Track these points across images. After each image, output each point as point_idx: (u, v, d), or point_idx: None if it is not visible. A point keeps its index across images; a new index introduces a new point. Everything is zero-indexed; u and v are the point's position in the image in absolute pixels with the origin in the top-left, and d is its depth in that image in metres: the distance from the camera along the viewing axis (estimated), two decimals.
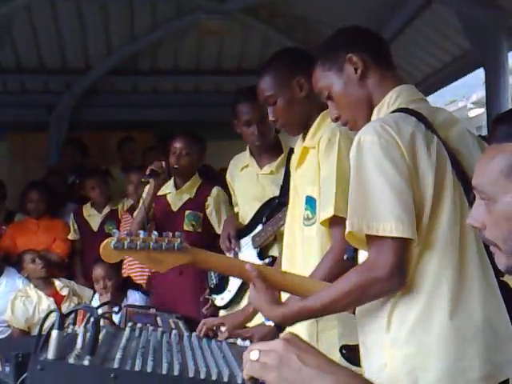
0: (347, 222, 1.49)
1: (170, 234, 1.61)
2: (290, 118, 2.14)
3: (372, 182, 1.45)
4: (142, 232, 1.59)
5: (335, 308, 1.57)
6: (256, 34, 5.38)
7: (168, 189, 3.69)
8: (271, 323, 2.02)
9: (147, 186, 3.65)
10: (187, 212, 3.56)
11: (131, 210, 4.35)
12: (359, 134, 1.51)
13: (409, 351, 1.47)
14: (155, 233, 1.60)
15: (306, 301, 1.59)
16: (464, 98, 13.66)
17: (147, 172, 3.56)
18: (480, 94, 11.61)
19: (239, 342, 1.82)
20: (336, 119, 1.73)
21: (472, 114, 13.57)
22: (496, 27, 4.05)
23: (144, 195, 3.65)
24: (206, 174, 4.43)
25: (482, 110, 11.63)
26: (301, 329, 2.00)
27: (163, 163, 3.58)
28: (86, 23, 5.00)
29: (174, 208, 3.63)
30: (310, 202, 2.03)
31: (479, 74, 4.89)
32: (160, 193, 3.68)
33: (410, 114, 1.53)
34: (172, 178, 3.71)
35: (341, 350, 1.80)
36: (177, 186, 3.66)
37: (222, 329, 1.99)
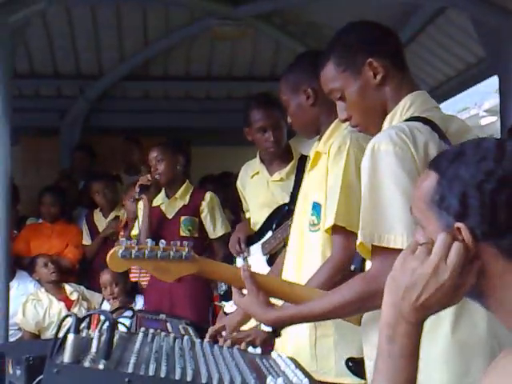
0: (359, 233, 1.47)
1: (178, 242, 1.61)
2: (300, 123, 2.17)
3: (386, 192, 1.43)
4: (149, 240, 1.59)
5: (335, 315, 1.56)
6: (268, 40, 5.39)
7: (160, 200, 3.80)
8: (269, 329, 2.02)
9: (141, 202, 3.75)
10: (183, 218, 3.67)
11: (125, 226, 4.35)
12: (373, 141, 1.48)
13: None
14: (163, 241, 1.60)
15: (303, 305, 1.58)
16: (476, 105, 13.58)
17: (137, 189, 3.62)
18: (492, 101, 11.55)
19: (250, 349, 1.82)
20: (345, 120, 1.69)
21: (484, 122, 13.50)
22: (511, 35, 4.03)
23: (140, 212, 3.70)
24: (225, 179, 4.45)
25: (495, 118, 11.56)
26: (300, 334, 2.00)
27: (149, 176, 3.68)
28: (99, 29, 5.03)
29: (169, 216, 3.70)
30: (316, 207, 2.03)
31: (491, 81, 4.87)
32: (153, 204, 3.75)
33: (423, 123, 1.50)
34: (163, 190, 3.80)
35: (347, 363, 1.80)
36: (168, 196, 3.75)
37: (223, 333, 1.99)
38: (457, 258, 1.00)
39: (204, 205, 3.70)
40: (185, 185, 3.76)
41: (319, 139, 2.14)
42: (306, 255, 2.07)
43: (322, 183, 2.01)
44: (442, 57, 5.25)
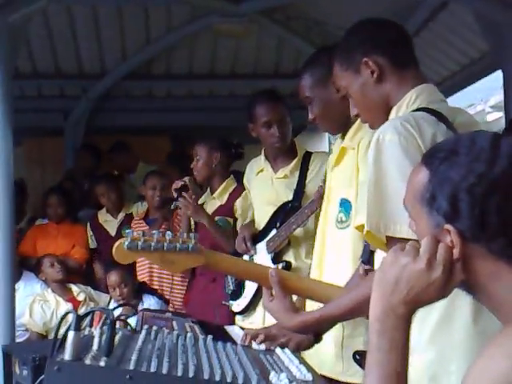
0: (365, 221, 1.46)
1: (185, 234, 1.59)
2: (327, 118, 2.12)
3: (391, 181, 1.42)
4: (155, 232, 1.58)
5: (359, 311, 1.55)
6: (271, 37, 5.37)
7: (204, 197, 3.62)
8: None
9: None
10: (217, 218, 3.45)
11: (145, 216, 4.34)
12: (378, 131, 1.48)
13: (430, 357, 1.44)
14: (169, 233, 1.59)
15: (325, 308, 1.57)
16: (482, 101, 13.52)
17: (174, 194, 3.45)
18: (498, 97, 11.49)
19: (254, 345, 1.80)
20: (356, 116, 1.72)
21: (490, 117, 13.44)
22: None
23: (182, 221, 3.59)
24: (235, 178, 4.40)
25: (501, 114, 11.50)
26: (327, 336, 1.98)
27: (186, 179, 3.49)
28: (101, 28, 5.03)
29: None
30: (345, 204, 2.00)
31: (497, 76, 4.83)
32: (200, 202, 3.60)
33: (430, 114, 1.50)
34: (208, 187, 3.63)
35: (354, 356, 1.78)
36: (212, 191, 3.58)
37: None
38: (446, 255, 1.01)
39: (237, 203, 3.46)
40: (224, 184, 3.53)
41: (342, 136, 2.11)
42: (329, 253, 2.05)
43: (351, 179, 1.99)
44: (446, 52, 5.23)
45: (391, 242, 1.42)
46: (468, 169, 1.01)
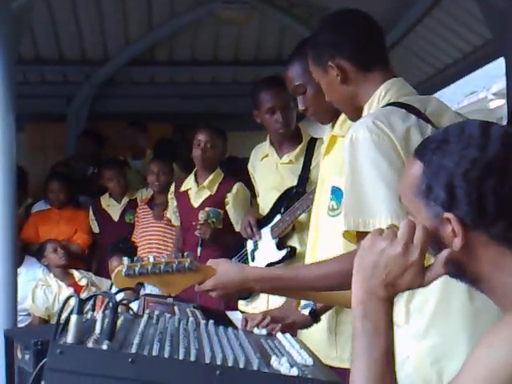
0: (343, 222, 1.49)
1: (180, 254, 1.66)
2: (320, 107, 2.09)
3: (366, 178, 1.45)
4: (151, 256, 1.66)
5: (319, 284, 1.61)
6: (274, 23, 5.35)
7: (189, 184, 3.69)
8: (306, 312, 2.02)
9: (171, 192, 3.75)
10: (208, 209, 3.52)
11: (149, 200, 4.38)
12: (351, 131, 1.51)
13: (431, 342, 1.46)
14: (164, 256, 1.67)
15: (290, 269, 1.61)
16: (484, 88, 13.48)
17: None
18: (501, 84, 11.45)
19: (256, 330, 1.81)
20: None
21: (493, 105, 13.40)
22: None
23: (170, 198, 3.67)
24: (231, 165, 4.43)
25: (503, 101, 11.46)
26: (321, 322, 2.00)
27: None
28: (104, 14, 5.02)
29: (195, 204, 3.63)
30: (336, 192, 2.01)
31: (499, 64, 4.82)
32: (182, 188, 3.69)
33: (400, 107, 1.52)
34: (193, 173, 3.71)
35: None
36: (198, 181, 3.65)
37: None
38: (423, 239, 1.03)
39: (229, 196, 3.58)
40: (214, 173, 3.61)
41: (332, 124, 2.12)
42: (322, 240, 2.06)
43: (341, 168, 2.00)
44: (448, 39, 5.21)
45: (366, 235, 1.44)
46: (461, 155, 1.01)
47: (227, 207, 3.58)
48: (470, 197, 1.00)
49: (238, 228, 3.55)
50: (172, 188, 3.84)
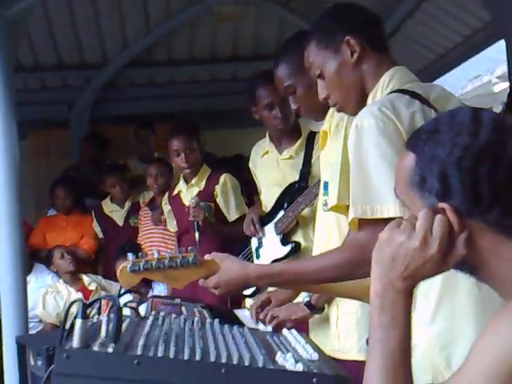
0: (350, 209, 1.48)
1: (184, 249, 1.67)
2: (312, 105, 2.10)
3: (372, 164, 1.44)
4: (155, 252, 1.67)
5: (321, 276, 1.60)
6: (272, 17, 5.33)
7: (180, 186, 3.78)
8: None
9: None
10: (196, 197, 3.58)
11: (151, 203, 4.39)
12: (356, 119, 1.50)
13: (438, 328, 1.45)
14: (168, 251, 1.69)
15: (293, 263, 1.60)
16: (488, 72, 13.41)
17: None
18: (505, 67, 11.39)
19: (261, 327, 1.82)
20: (324, 99, 1.72)
21: (497, 88, 13.33)
22: None
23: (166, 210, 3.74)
24: (236, 162, 4.44)
25: (508, 84, 11.40)
26: (323, 315, 2.00)
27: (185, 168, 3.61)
28: (101, 17, 5.01)
29: (187, 202, 3.67)
30: (327, 187, 2.02)
31: (503, 46, 4.79)
32: (174, 192, 3.77)
33: (403, 94, 1.52)
34: (181, 176, 3.78)
35: (368, 342, 1.79)
36: (187, 182, 3.72)
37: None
38: (442, 230, 1.01)
39: (217, 188, 3.65)
40: (202, 169, 3.71)
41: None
42: (320, 235, 2.07)
43: (331, 162, 2.00)
44: (448, 23, 5.18)
45: (369, 222, 1.44)
46: (452, 143, 1.00)
47: (217, 199, 3.65)
48: (463, 185, 0.99)
49: (234, 214, 3.65)
50: (166, 195, 3.91)
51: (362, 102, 1.64)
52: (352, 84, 1.65)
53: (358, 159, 1.47)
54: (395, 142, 1.43)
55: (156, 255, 1.63)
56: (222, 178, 3.67)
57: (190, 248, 1.67)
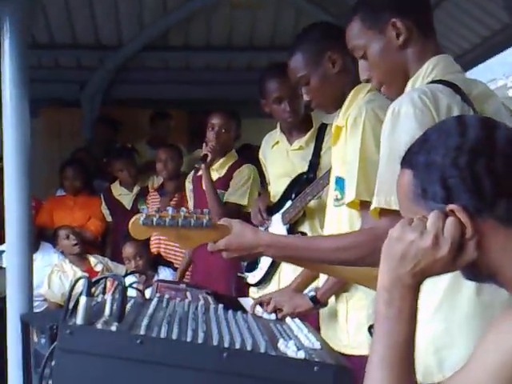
0: (374, 199, 1.45)
1: (199, 210, 1.62)
2: (324, 97, 2.08)
3: None
4: (170, 208, 1.61)
5: (333, 256, 1.57)
6: (289, 7, 5.30)
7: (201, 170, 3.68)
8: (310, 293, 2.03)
9: (188, 181, 3.72)
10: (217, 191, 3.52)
11: (160, 188, 4.38)
12: (394, 103, 1.46)
13: (435, 329, 1.44)
14: (183, 209, 1.61)
15: (305, 238, 1.58)
16: (504, 76, 13.32)
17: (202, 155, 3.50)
18: None
19: (265, 315, 1.82)
20: (367, 81, 1.67)
21: None
22: None
23: (204, 183, 3.57)
24: (244, 152, 4.43)
25: None
26: (332, 309, 1.99)
27: (211, 145, 3.50)
28: None
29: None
30: (339, 182, 2.00)
31: None
32: (200, 173, 3.66)
33: (446, 86, 1.47)
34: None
35: (369, 330, 1.78)
36: (211, 164, 3.62)
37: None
38: (454, 231, 1.01)
39: (234, 175, 3.55)
40: (228, 155, 3.59)
41: (338, 114, 2.09)
42: (330, 231, 2.05)
43: (344, 157, 1.98)
44: (467, 23, 5.13)
45: (395, 214, 1.38)
46: (444, 147, 1.02)
47: (230, 182, 3.53)
48: (464, 182, 1.00)
49: (233, 197, 3.52)
50: (191, 173, 3.81)
51: (404, 85, 1.59)
52: (396, 67, 1.59)
53: (390, 148, 1.43)
54: None
55: (171, 212, 1.59)
56: (244, 167, 3.56)
57: (205, 210, 1.63)
